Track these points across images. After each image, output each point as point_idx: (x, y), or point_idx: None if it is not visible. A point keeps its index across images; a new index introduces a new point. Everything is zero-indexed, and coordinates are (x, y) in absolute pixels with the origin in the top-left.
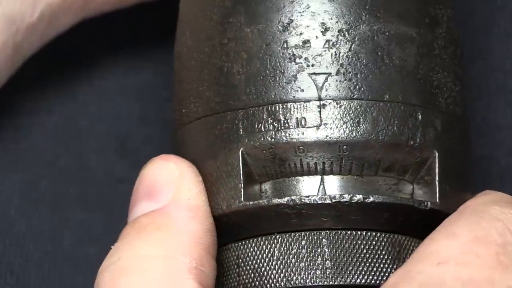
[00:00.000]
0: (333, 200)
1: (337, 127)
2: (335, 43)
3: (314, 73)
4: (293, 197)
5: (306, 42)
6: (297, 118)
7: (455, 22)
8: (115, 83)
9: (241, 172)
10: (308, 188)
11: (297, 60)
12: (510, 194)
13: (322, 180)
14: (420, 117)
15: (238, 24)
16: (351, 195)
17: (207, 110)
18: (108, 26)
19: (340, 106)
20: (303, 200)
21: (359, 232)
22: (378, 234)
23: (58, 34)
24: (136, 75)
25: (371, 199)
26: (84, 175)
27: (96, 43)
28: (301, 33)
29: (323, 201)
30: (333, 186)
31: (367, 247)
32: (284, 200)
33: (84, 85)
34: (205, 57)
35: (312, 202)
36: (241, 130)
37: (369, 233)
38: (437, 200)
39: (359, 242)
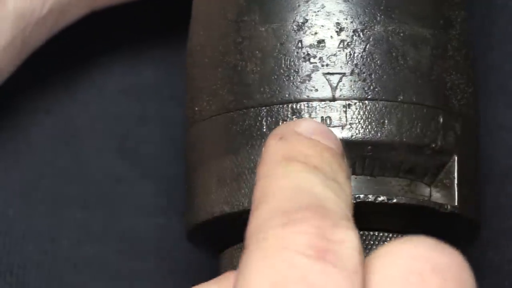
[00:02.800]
0: (358, 200)
1: (362, 127)
2: (349, 43)
3: (329, 73)
4: None
5: (320, 41)
6: (322, 117)
7: (468, 24)
8: (115, 82)
9: None
10: None
11: (312, 60)
12: (510, 194)
13: None
14: (441, 120)
15: (252, 22)
16: (376, 195)
17: (221, 108)
18: (108, 25)
19: (366, 107)
20: None
21: (371, 233)
22: (390, 235)
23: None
24: (136, 75)
25: (395, 200)
26: (84, 175)
27: (96, 42)
28: (315, 33)
29: None
30: (353, 186)
31: (379, 247)
32: None
33: (83, 84)
34: (219, 55)
35: None
36: (264, 127)
37: (381, 234)
38: (456, 203)
39: (371, 242)
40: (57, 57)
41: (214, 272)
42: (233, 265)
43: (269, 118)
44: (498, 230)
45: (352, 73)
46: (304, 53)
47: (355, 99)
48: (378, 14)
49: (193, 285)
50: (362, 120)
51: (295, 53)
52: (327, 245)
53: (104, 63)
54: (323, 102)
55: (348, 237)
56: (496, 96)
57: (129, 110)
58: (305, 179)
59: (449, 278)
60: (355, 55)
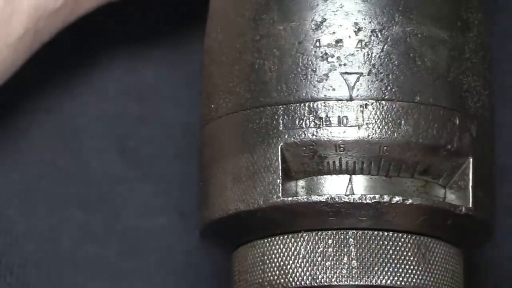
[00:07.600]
0: (373, 200)
1: (379, 127)
2: (367, 43)
3: (346, 73)
4: (332, 195)
5: (338, 41)
6: (339, 116)
7: (485, 27)
8: (115, 82)
9: (280, 168)
10: (345, 187)
11: (329, 59)
12: (509, 194)
13: (351, 180)
14: (457, 121)
15: (271, 21)
16: (391, 196)
17: (237, 106)
18: (108, 26)
19: (382, 107)
20: (342, 199)
21: (385, 233)
22: (405, 236)
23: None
24: (136, 75)
25: (410, 201)
26: (83, 175)
27: (96, 42)
28: (334, 32)
29: (362, 201)
30: (368, 186)
31: (393, 248)
32: (324, 197)
33: (83, 84)
34: (236, 53)
35: (351, 201)
36: (281, 125)
37: (395, 234)
38: (470, 205)
39: (386, 242)
40: (57, 57)
41: (213, 272)
42: (247, 263)
43: (285, 117)
44: (498, 229)
45: (369, 73)
46: (322, 52)
47: (372, 99)
48: (397, 15)
49: (194, 285)
50: (378, 120)
51: (313, 52)
52: None
53: (104, 63)
54: (340, 102)
55: None
56: (495, 95)
57: (129, 110)
58: None
59: None
60: (373, 55)
